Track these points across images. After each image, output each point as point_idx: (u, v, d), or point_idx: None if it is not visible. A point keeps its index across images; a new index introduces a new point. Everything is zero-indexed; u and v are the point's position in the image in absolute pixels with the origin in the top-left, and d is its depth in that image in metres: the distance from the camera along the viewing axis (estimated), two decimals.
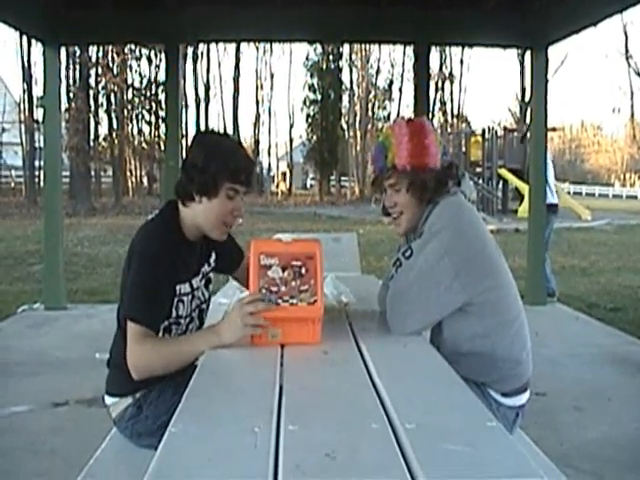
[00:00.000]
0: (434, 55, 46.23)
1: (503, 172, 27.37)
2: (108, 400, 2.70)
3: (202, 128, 40.45)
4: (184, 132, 30.79)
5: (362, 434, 1.59)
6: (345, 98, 47.53)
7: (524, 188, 23.34)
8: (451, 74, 49.21)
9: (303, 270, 2.30)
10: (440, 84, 48.02)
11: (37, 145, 32.67)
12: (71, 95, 29.65)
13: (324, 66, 44.94)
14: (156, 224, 2.63)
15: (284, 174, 55.54)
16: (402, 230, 2.76)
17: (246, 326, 2.27)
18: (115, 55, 31.90)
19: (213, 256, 2.87)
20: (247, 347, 2.29)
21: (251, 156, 2.76)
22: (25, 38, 31.86)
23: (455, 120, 49.32)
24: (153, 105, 36.44)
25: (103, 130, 35.99)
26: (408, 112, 42.75)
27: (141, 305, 2.44)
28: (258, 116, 49.54)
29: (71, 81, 30.48)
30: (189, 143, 2.69)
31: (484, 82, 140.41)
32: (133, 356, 2.38)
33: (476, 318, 2.52)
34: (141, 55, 34.94)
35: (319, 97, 45.36)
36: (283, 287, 2.30)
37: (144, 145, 37.32)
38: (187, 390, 1.89)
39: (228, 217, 2.61)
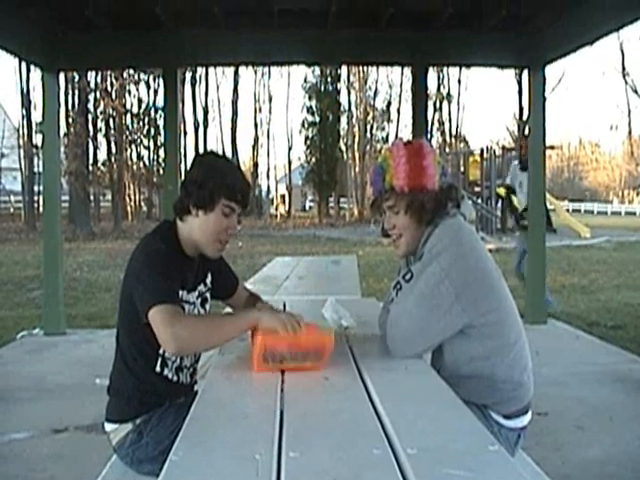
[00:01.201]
0: (432, 75, 46.43)
1: (501, 191, 27.38)
2: (108, 427, 2.69)
3: (201, 150, 40.69)
4: (182, 156, 30.88)
5: (364, 460, 1.58)
6: (343, 120, 47.65)
7: None
8: (449, 94, 49.37)
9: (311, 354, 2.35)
10: (438, 104, 48.16)
11: (36, 170, 32.71)
12: (70, 120, 29.74)
13: (322, 88, 45.10)
14: (154, 237, 2.67)
15: (283, 196, 55.66)
16: (402, 252, 2.76)
17: (284, 325, 2.36)
18: (114, 80, 32.02)
19: (209, 277, 2.89)
20: (247, 372, 2.28)
21: (248, 179, 2.81)
22: (24, 64, 32.00)
23: (453, 140, 49.43)
24: (152, 130, 36.53)
25: (102, 155, 36.08)
26: (407, 132, 42.88)
27: (160, 289, 2.39)
28: (257, 139, 49.70)
29: (70, 106, 30.56)
30: (190, 164, 2.74)
31: (482, 102, 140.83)
32: (171, 333, 2.27)
33: (477, 340, 2.52)
34: (139, 80, 35.06)
35: (317, 119, 45.49)
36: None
37: (143, 170, 37.37)
38: (188, 417, 1.88)
39: (223, 234, 2.67)
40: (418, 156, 2.64)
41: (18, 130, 38.05)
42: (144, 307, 2.35)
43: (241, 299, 3.09)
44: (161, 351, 2.62)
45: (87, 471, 2.90)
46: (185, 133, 39.91)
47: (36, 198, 32.60)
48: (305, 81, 45.79)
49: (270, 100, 51.60)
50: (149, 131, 36.73)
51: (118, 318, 2.69)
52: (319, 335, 2.43)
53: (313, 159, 45.88)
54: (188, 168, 2.72)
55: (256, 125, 49.72)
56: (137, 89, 36.09)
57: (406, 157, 2.63)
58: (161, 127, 30.32)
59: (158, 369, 2.65)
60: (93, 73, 30.17)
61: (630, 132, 58.97)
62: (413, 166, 2.61)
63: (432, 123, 46.12)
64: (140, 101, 36.40)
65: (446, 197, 2.67)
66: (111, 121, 34.34)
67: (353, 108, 47.56)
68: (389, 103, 49.15)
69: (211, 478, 1.49)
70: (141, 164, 37.65)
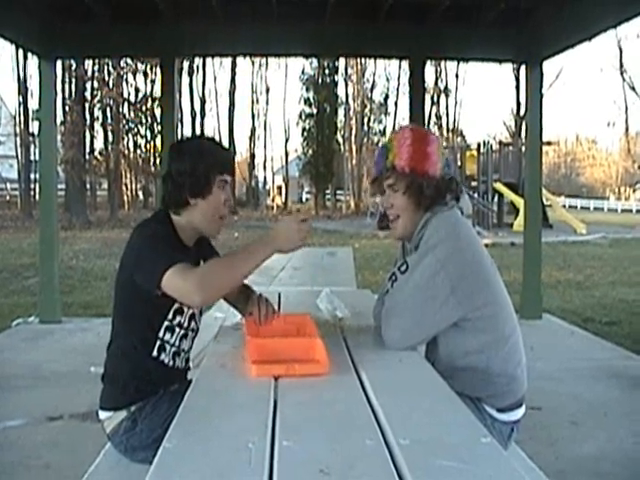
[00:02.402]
0: (429, 69, 46.41)
1: (498, 186, 27.45)
2: (102, 415, 2.69)
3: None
4: None
5: (356, 450, 1.59)
6: (341, 112, 47.67)
7: (519, 202, 23.46)
8: (446, 88, 49.36)
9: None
10: (436, 98, 48.15)
11: (32, 158, 32.71)
12: (67, 108, 29.69)
13: (320, 80, 45.10)
14: (153, 223, 2.69)
15: (280, 188, 55.62)
16: (397, 234, 2.77)
17: (301, 239, 2.40)
18: (111, 69, 31.97)
19: (202, 264, 2.89)
20: (242, 362, 2.28)
21: (224, 145, 2.86)
22: (21, 51, 31.93)
23: (450, 134, 49.42)
24: (149, 119, 36.47)
25: (99, 144, 36.12)
26: (402, 124, 42.88)
27: (167, 255, 2.38)
28: (254, 130, 49.65)
29: (67, 94, 30.51)
30: (168, 155, 2.74)
31: (479, 96, 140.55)
32: (193, 281, 2.28)
33: (471, 334, 2.52)
34: (137, 69, 34.98)
35: (315, 111, 45.49)
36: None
37: (139, 159, 37.32)
38: (182, 405, 1.88)
39: (222, 209, 2.70)
40: (423, 141, 2.67)
41: (15, 118, 37.95)
42: (156, 277, 2.33)
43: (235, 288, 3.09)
44: (160, 333, 2.64)
45: (82, 459, 2.90)
46: (182, 123, 39.89)
47: (32, 186, 32.63)
48: (303, 73, 45.88)
49: (267, 91, 51.68)
50: (146, 120, 36.66)
51: (114, 304, 2.70)
52: (308, 340, 2.45)
53: (310, 151, 45.90)
54: (168, 161, 2.72)
55: (253, 116, 49.70)
56: (134, 78, 36.06)
57: (411, 140, 2.66)
58: (158, 116, 30.37)
59: (155, 353, 2.66)
60: (90, 62, 30.09)
61: (627, 129, 58.89)
62: (417, 149, 2.64)
63: (429, 117, 46.18)
64: (137, 90, 36.36)
65: (446, 188, 2.67)
66: (108, 110, 34.31)
67: (350, 100, 47.59)
68: (386, 96, 49.20)
69: (204, 466, 1.49)
70: (138, 153, 37.57)
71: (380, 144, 2.86)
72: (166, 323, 2.65)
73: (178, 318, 2.68)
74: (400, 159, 2.64)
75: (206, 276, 2.33)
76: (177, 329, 2.70)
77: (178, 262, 2.33)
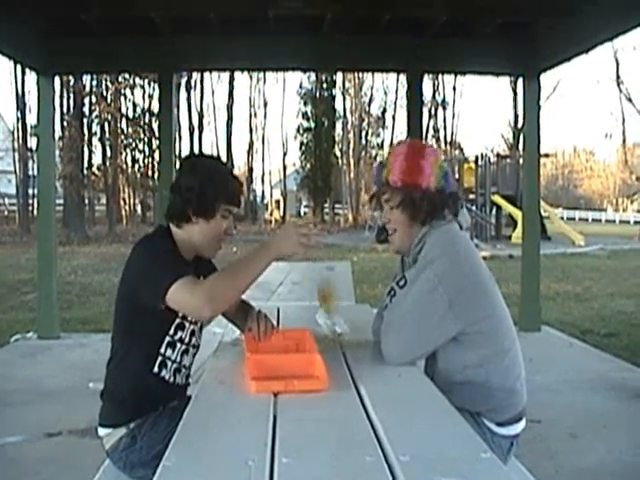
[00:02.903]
0: (427, 82, 46.49)
1: (496, 198, 27.47)
2: (102, 432, 2.69)
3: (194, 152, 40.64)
4: (177, 161, 30.77)
5: (356, 467, 1.59)
6: (339, 126, 47.68)
7: (517, 214, 23.47)
8: (444, 101, 49.42)
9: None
10: (433, 111, 48.22)
11: (31, 173, 32.67)
12: (65, 123, 29.72)
13: (317, 94, 45.15)
14: (153, 239, 2.71)
15: (278, 202, 55.55)
16: (395, 247, 2.80)
17: (301, 244, 2.44)
18: (109, 84, 32.03)
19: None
20: (241, 378, 2.28)
21: (239, 177, 2.85)
22: (19, 67, 31.97)
23: (448, 147, 49.46)
24: (147, 134, 36.50)
25: (97, 159, 36.10)
26: (401, 139, 42.94)
27: (171, 270, 2.41)
28: (252, 144, 49.63)
29: (65, 109, 30.54)
30: (180, 165, 2.76)
31: (477, 109, 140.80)
32: (201, 294, 2.32)
33: (470, 348, 2.52)
34: (135, 84, 35.04)
35: (313, 125, 45.53)
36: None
37: (138, 174, 37.32)
38: (181, 422, 1.88)
39: (222, 236, 2.73)
40: (417, 154, 2.69)
41: (13, 133, 37.89)
42: (161, 291, 2.35)
43: (233, 304, 3.09)
44: (162, 349, 2.64)
45: (80, 475, 2.90)
46: (180, 137, 39.95)
47: (30, 201, 32.55)
48: (300, 87, 45.88)
49: (265, 105, 51.51)
50: (144, 135, 36.69)
51: (115, 320, 2.70)
52: (307, 355, 2.46)
53: (308, 165, 45.94)
54: (178, 173, 2.74)
55: (251, 130, 49.69)
56: (132, 93, 36.11)
57: (404, 154, 2.69)
58: (156, 131, 30.43)
59: (156, 369, 2.65)
60: (88, 77, 30.16)
61: (624, 140, 58.88)
62: (410, 163, 2.66)
63: (427, 130, 46.21)
64: (135, 105, 36.41)
65: (443, 202, 2.68)
66: (106, 125, 34.35)
67: (348, 114, 47.59)
68: (384, 110, 49.22)
69: None
70: (136, 168, 37.57)
71: (380, 159, 2.90)
72: (167, 339, 2.65)
73: (179, 333, 2.68)
74: (393, 174, 2.67)
75: (213, 288, 2.36)
76: (178, 344, 2.70)
77: (183, 275, 2.36)
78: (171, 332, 2.65)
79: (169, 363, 2.69)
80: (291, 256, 2.49)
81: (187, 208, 2.62)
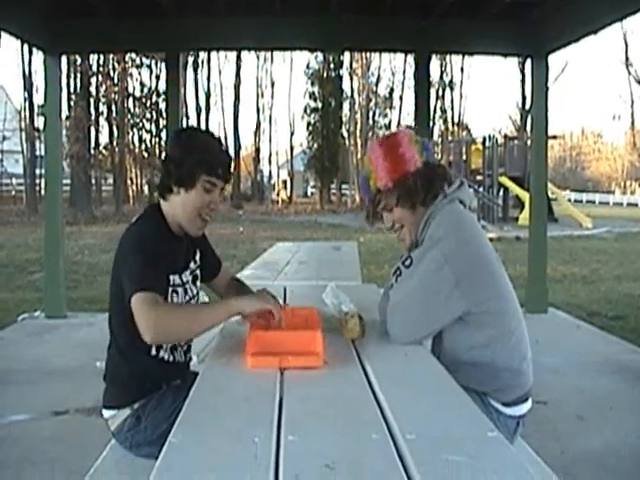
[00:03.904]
0: (435, 63, 46.39)
1: (504, 180, 27.40)
2: (106, 413, 2.70)
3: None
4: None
5: (362, 444, 1.59)
6: (346, 106, 47.63)
7: (525, 196, 23.42)
8: (451, 82, 49.30)
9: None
10: (441, 92, 48.11)
11: (38, 153, 32.72)
12: (72, 103, 29.71)
13: (325, 74, 45.08)
14: (141, 222, 2.69)
15: (285, 182, 55.61)
16: (407, 243, 2.77)
17: (263, 303, 2.44)
18: (116, 64, 31.98)
19: (198, 254, 2.91)
20: (246, 358, 2.28)
21: (228, 150, 2.81)
22: (26, 46, 31.93)
23: (456, 128, 49.39)
24: (154, 114, 36.45)
25: (104, 138, 36.10)
26: (409, 120, 42.87)
27: (143, 276, 2.36)
28: (259, 124, 49.62)
29: (72, 89, 30.52)
30: (168, 141, 2.76)
31: (485, 90, 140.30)
32: (149, 320, 2.25)
33: (476, 328, 2.52)
34: (142, 64, 34.97)
35: (320, 105, 45.50)
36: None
37: (145, 153, 37.29)
38: (187, 400, 1.88)
39: (204, 209, 2.66)
40: (393, 148, 2.66)
41: (20, 113, 37.92)
42: (127, 294, 2.33)
43: (224, 281, 3.10)
44: None
45: (87, 453, 2.90)
46: (187, 117, 39.89)
47: (38, 181, 32.63)
48: (308, 67, 45.82)
49: (272, 85, 51.56)
50: (151, 115, 36.64)
51: (110, 305, 2.69)
52: (307, 332, 2.45)
53: (315, 145, 45.93)
54: (167, 146, 2.73)
55: (258, 110, 49.68)
56: (139, 73, 36.03)
57: (382, 155, 2.66)
58: (163, 111, 30.36)
59: (154, 352, 2.65)
60: (95, 57, 30.13)
61: (633, 123, 58.88)
62: (391, 159, 2.64)
63: (434, 111, 46.18)
64: (142, 85, 36.33)
65: (432, 171, 2.66)
66: (113, 105, 34.31)
67: (355, 95, 47.52)
68: (392, 90, 49.18)
69: (210, 461, 1.49)
70: (143, 148, 37.55)
71: (360, 174, 2.86)
72: None
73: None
74: (381, 179, 2.66)
75: (163, 320, 2.28)
76: None
77: (149, 289, 2.31)
78: None
79: (164, 344, 2.69)
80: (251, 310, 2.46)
81: (168, 179, 2.61)
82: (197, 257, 2.89)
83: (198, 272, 2.90)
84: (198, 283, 2.90)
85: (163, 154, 2.72)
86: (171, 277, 2.65)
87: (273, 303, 2.46)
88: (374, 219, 2.82)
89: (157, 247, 2.49)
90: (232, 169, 2.79)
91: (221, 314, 2.41)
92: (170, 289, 2.64)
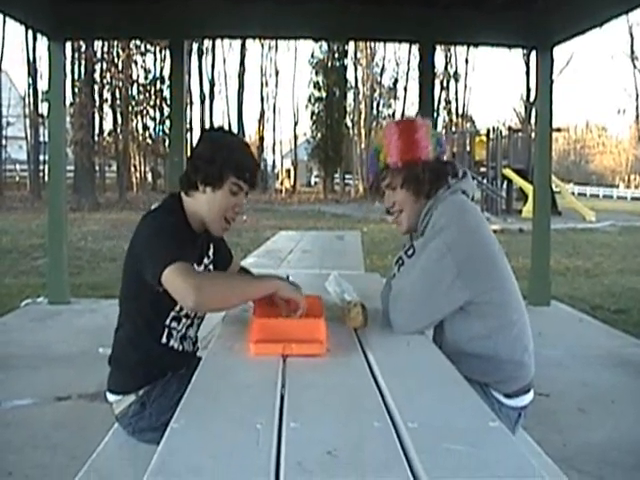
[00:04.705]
0: (439, 54, 46.28)
1: (507, 172, 27.36)
2: (111, 397, 2.70)
3: (207, 124, 40.69)
4: (188, 128, 30.71)
5: (364, 432, 1.59)
6: (350, 96, 47.61)
7: (528, 188, 23.41)
8: (456, 73, 49.19)
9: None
10: (445, 83, 48.01)
11: (42, 139, 32.80)
12: (76, 90, 29.68)
13: (329, 64, 44.98)
14: (161, 210, 2.67)
15: (288, 171, 55.56)
16: (404, 228, 2.77)
17: (297, 295, 2.49)
18: (120, 51, 31.95)
19: (212, 249, 2.91)
20: (249, 345, 2.28)
21: (257, 158, 2.81)
22: (31, 32, 31.93)
23: (460, 119, 49.30)
24: (158, 101, 36.42)
25: (108, 125, 36.08)
26: (413, 110, 42.77)
27: (170, 251, 2.32)
28: (263, 113, 49.55)
29: (76, 76, 30.49)
30: (197, 139, 2.74)
31: (489, 82, 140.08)
32: (192, 285, 2.21)
33: (478, 319, 2.52)
34: (146, 51, 34.93)
35: (324, 95, 45.42)
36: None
37: (148, 141, 37.28)
38: (190, 386, 1.89)
39: (229, 212, 2.66)
40: (409, 130, 2.67)
41: (24, 99, 37.98)
42: (157, 270, 2.27)
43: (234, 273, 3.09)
44: (167, 322, 2.63)
45: (90, 439, 2.91)
46: (192, 105, 39.85)
47: (41, 167, 32.73)
48: (312, 56, 45.72)
49: (277, 74, 51.49)
50: (155, 102, 36.61)
51: (122, 292, 2.68)
52: (310, 320, 2.45)
53: (319, 135, 45.88)
54: (196, 143, 2.72)
55: (262, 99, 49.61)
56: (144, 60, 36.01)
57: (397, 134, 2.66)
58: (167, 98, 30.34)
59: (164, 340, 2.66)
60: (100, 43, 30.09)
61: (637, 116, 58.75)
62: (405, 140, 2.64)
63: (439, 102, 46.12)
64: (146, 72, 36.30)
65: (442, 167, 2.66)
66: (117, 91, 34.28)
67: (360, 85, 47.50)
68: (396, 80, 49.15)
69: (212, 446, 1.49)
70: (147, 135, 37.53)
71: (370, 149, 2.87)
72: (173, 313, 2.64)
73: (185, 310, 2.67)
74: (391, 155, 2.65)
75: (205, 282, 2.29)
76: (184, 319, 2.70)
77: (180, 260, 2.28)
78: (177, 308, 2.63)
79: (175, 333, 2.69)
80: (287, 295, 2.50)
81: (195, 176, 2.60)
82: (210, 252, 2.89)
83: (211, 267, 2.89)
84: None
85: (191, 151, 2.71)
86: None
87: (301, 295, 2.49)
88: (376, 195, 2.82)
89: (179, 233, 2.49)
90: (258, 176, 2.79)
91: (260, 289, 2.47)
92: None
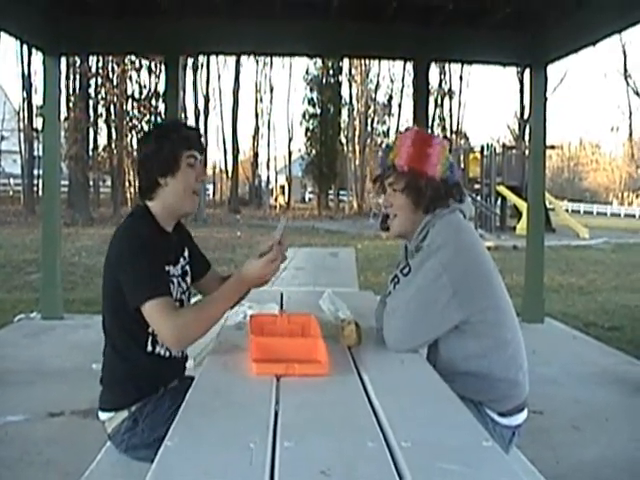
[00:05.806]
0: (433, 71, 46.38)
1: (501, 189, 27.43)
2: (103, 416, 2.69)
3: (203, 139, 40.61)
4: None
5: (358, 452, 1.59)
6: (344, 112, 47.62)
7: (522, 205, 23.44)
8: (450, 90, 49.31)
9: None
10: (439, 100, 48.11)
11: (36, 154, 32.72)
12: (71, 104, 29.67)
13: (324, 80, 45.06)
14: (133, 221, 2.70)
15: (283, 187, 55.62)
16: (394, 232, 2.78)
17: (271, 274, 2.50)
18: (115, 66, 31.97)
19: (187, 251, 2.92)
20: (244, 361, 2.28)
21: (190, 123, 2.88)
22: (26, 47, 31.94)
23: (454, 136, 49.35)
24: (152, 116, 36.42)
25: (102, 140, 36.05)
26: (409, 126, 42.88)
27: (152, 281, 2.43)
28: (257, 129, 49.63)
29: (71, 90, 30.49)
30: (136, 149, 2.81)
31: (483, 99, 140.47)
32: (172, 328, 2.36)
33: (473, 338, 2.52)
34: (141, 66, 34.93)
35: (318, 111, 45.47)
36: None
37: None
38: (184, 404, 1.89)
39: (194, 184, 2.71)
40: (424, 142, 2.69)
41: (18, 113, 37.98)
42: (137, 299, 2.39)
43: (214, 282, 3.00)
44: (150, 329, 2.60)
45: (82, 455, 2.89)
46: (186, 120, 39.85)
47: (35, 182, 32.64)
48: (307, 73, 45.78)
49: (271, 90, 51.61)
50: (150, 117, 36.60)
51: (105, 305, 2.69)
52: (310, 340, 2.47)
53: (313, 151, 45.89)
54: (136, 152, 2.78)
55: (257, 115, 49.69)
56: (138, 75, 36.00)
57: (412, 140, 2.69)
58: (162, 113, 30.36)
59: (150, 348, 2.65)
60: (94, 58, 30.12)
61: (631, 134, 59.04)
62: (417, 149, 2.66)
63: (433, 119, 46.10)
64: (141, 87, 36.30)
65: (446, 191, 2.68)
66: (112, 106, 34.28)
67: (354, 101, 47.57)
68: (390, 97, 49.21)
69: (205, 465, 1.49)
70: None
71: (384, 143, 2.90)
72: None
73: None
74: (400, 158, 2.66)
75: (181, 321, 2.38)
76: None
77: (163, 293, 2.40)
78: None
79: (159, 339, 2.68)
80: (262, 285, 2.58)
81: (152, 174, 2.64)
82: (186, 254, 2.90)
83: (188, 268, 2.90)
84: (188, 279, 2.89)
85: (137, 161, 2.77)
86: (167, 267, 2.66)
87: (269, 247, 2.47)
88: (380, 188, 2.84)
89: (156, 245, 2.53)
90: (203, 139, 2.84)
91: (233, 296, 2.52)
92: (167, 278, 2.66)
